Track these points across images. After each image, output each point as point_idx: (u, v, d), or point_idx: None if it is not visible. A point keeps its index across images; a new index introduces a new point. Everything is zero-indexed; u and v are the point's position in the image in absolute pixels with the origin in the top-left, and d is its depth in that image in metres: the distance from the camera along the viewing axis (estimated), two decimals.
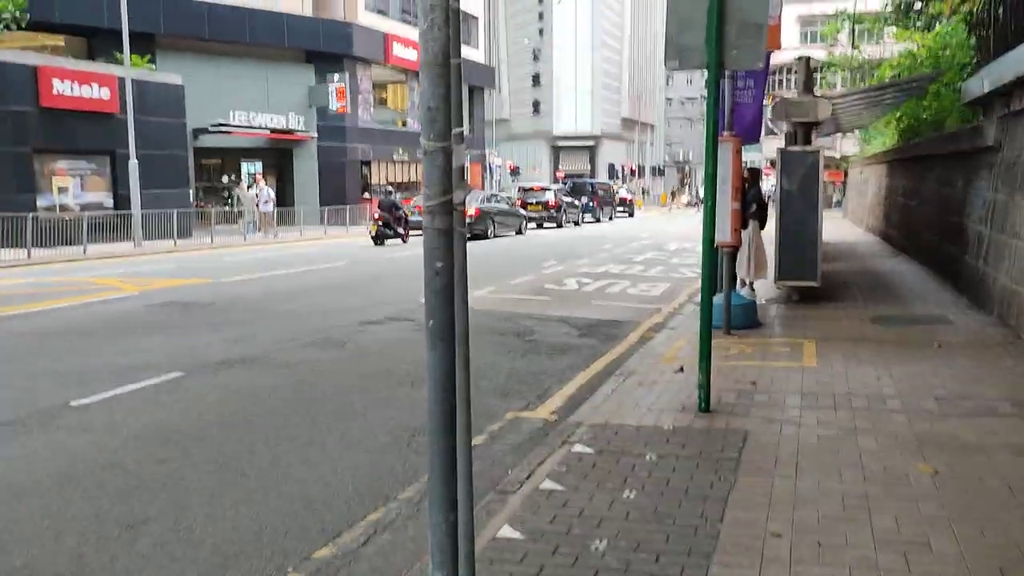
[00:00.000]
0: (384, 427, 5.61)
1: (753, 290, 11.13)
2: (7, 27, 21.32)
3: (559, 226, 34.05)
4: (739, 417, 5.46)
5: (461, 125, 2.41)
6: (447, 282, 2.33)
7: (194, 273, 15.24)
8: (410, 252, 21.12)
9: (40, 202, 21.78)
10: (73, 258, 18.90)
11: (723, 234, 8.24)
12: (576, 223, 36.13)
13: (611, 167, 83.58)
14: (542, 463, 4.63)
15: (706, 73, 5.55)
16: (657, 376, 6.84)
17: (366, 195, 36.28)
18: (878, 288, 12.23)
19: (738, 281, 10.47)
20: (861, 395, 5.98)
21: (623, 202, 47.71)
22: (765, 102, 10.40)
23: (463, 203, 2.48)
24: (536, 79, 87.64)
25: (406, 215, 24.74)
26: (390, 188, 27.56)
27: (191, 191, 29.03)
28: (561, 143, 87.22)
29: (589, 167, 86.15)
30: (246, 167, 34.21)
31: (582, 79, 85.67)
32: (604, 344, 8.79)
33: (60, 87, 21.73)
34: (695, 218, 38.86)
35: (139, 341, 8.51)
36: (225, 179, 32.92)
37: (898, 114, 18.24)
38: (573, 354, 8.22)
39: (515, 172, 65.83)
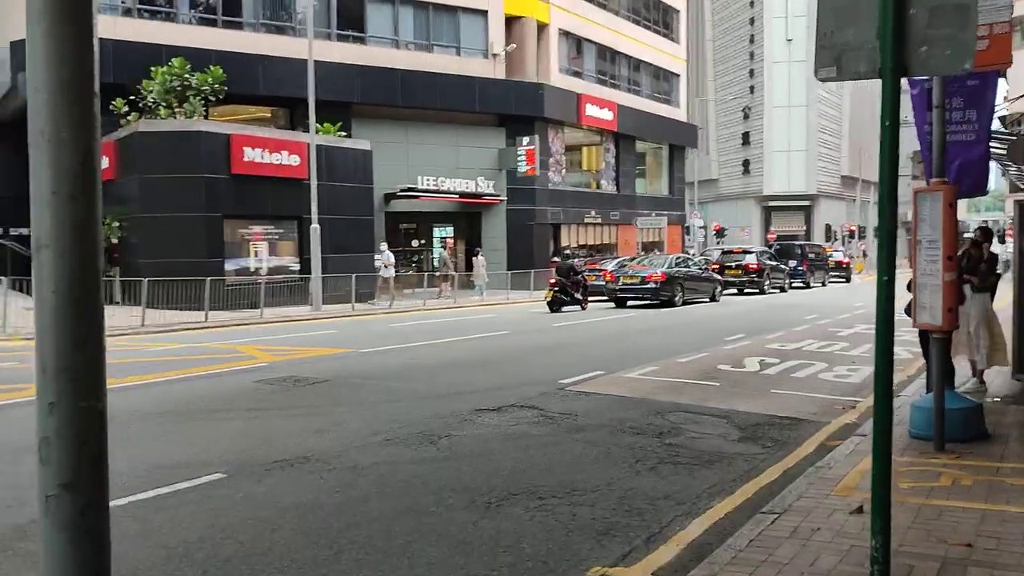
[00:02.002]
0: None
1: (983, 383, 8.56)
2: (207, 100, 22.44)
3: (761, 292, 31.24)
4: None
5: None
6: None
7: (342, 342, 14.50)
8: (583, 320, 19.58)
9: (228, 266, 22.44)
10: (247, 321, 19.01)
11: (931, 315, 6.06)
12: (782, 289, 33.09)
13: (828, 228, 78.09)
14: None
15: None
16: (822, 517, 4.80)
17: (556, 259, 35.26)
18: None
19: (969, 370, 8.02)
20: None
21: (838, 266, 43.62)
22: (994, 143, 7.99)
23: None
24: (746, 137, 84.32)
25: (585, 280, 23.31)
26: (568, 251, 26.29)
27: (380, 255, 29.29)
28: (773, 203, 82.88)
29: (804, 228, 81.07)
30: (437, 231, 34.42)
31: (796, 136, 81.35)
32: (767, 454, 6.74)
33: (251, 154, 22.46)
34: None
35: (213, 427, 7.52)
36: (415, 243, 33.14)
37: None
38: (720, 468, 6.27)
39: (720, 233, 62.80)
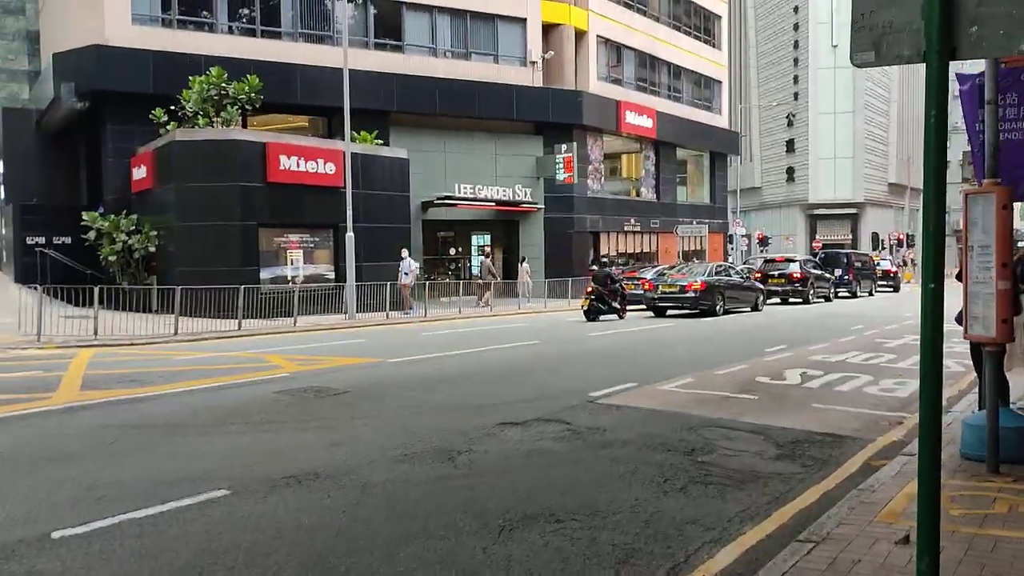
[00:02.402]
0: None
1: None
2: (243, 108, 22.49)
3: (805, 301, 30.42)
4: None
5: None
6: None
7: (370, 352, 14.27)
8: (619, 330, 19.15)
9: (264, 274, 22.41)
10: (279, 330, 18.91)
11: (984, 326, 5.61)
12: (827, 298, 32.22)
13: (875, 236, 76.42)
14: None
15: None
16: (864, 547, 4.39)
17: (594, 267, 34.82)
18: None
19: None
20: None
21: (886, 275, 42.46)
22: None
23: None
24: (790, 145, 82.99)
25: (623, 289, 22.87)
26: (605, 259, 25.85)
27: (416, 264, 29.14)
28: (818, 211, 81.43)
29: (850, 237, 79.51)
30: (476, 239, 34.22)
31: (842, 143, 79.86)
32: (805, 474, 6.31)
33: (287, 163, 22.43)
34: None
35: (225, 440, 7.28)
36: (452, 251, 32.97)
37: None
38: (754, 490, 5.85)
39: (764, 242, 61.75)
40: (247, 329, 18.56)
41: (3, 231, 32.86)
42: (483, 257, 30.16)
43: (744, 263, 38.96)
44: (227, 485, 5.75)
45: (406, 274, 24.30)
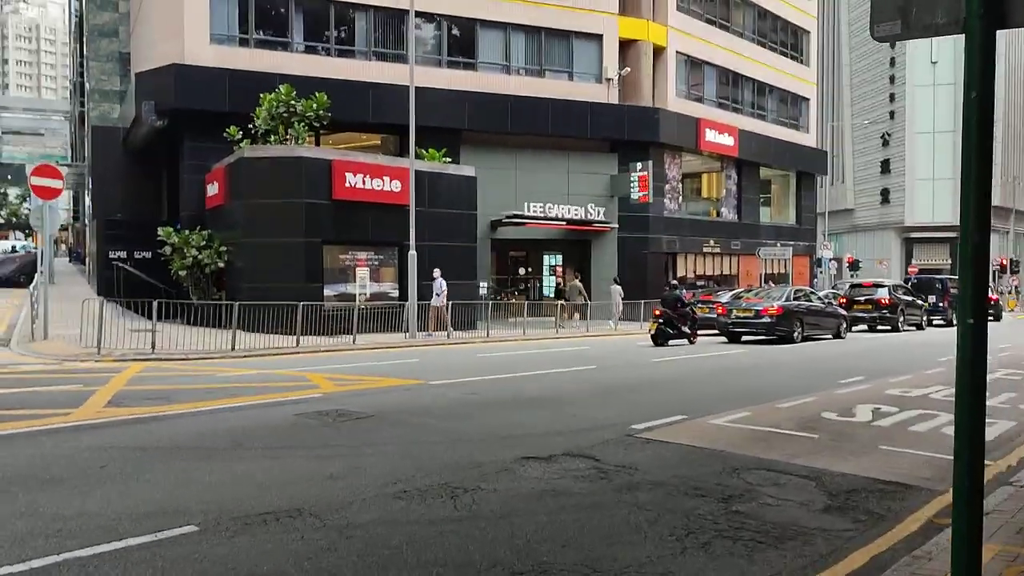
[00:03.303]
0: None
1: None
2: (311, 126, 22.54)
3: (894, 329, 28.74)
4: None
5: None
6: None
7: (417, 373, 13.79)
8: (685, 356, 18.23)
9: (328, 291, 22.30)
10: (338, 347, 18.67)
11: None
12: (918, 326, 30.41)
13: None
14: None
15: None
16: None
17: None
18: None
19: None
20: None
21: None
22: None
23: None
24: (885, 165, 79.85)
25: (693, 312, 21.89)
26: (675, 281, 24.89)
27: (484, 283, 28.75)
28: (915, 235, 77.90)
29: (950, 261, 75.72)
30: (547, 259, 33.67)
31: (941, 164, 76.27)
32: (856, 532, 5.46)
33: (352, 180, 22.32)
34: None
35: (220, 467, 6.81)
36: (521, 271, 32.46)
37: None
38: (791, 549, 5.05)
39: (854, 266, 59.22)
40: (305, 346, 18.38)
41: (91, 245, 34.00)
42: (576, 281, 29.55)
43: (833, 287, 37.22)
44: (199, 520, 5.27)
45: (438, 295, 22.83)
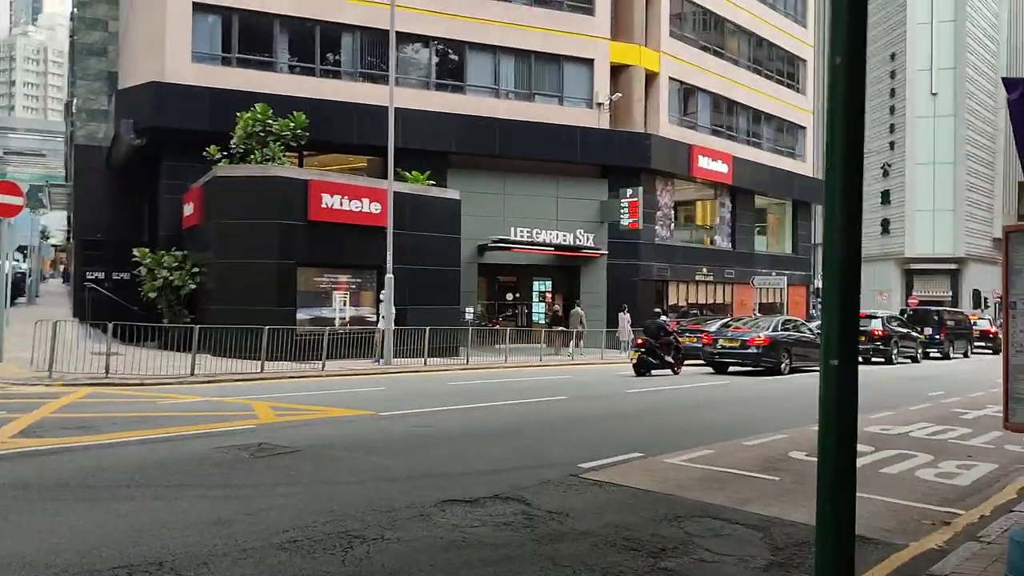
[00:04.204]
0: None
1: None
2: (288, 146, 22.07)
3: (888, 361, 27.99)
4: None
5: None
6: None
7: (372, 403, 13.11)
8: (665, 387, 17.57)
9: (302, 315, 21.69)
10: (304, 373, 18.01)
11: None
12: (913, 359, 29.65)
13: (976, 293, 71.79)
14: None
15: None
16: None
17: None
18: None
19: None
20: None
21: (984, 335, 39.22)
22: None
23: None
24: (885, 196, 79.29)
25: (677, 342, 21.24)
26: (658, 310, 24.24)
27: (470, 308, 28.16)
28: (915, 266, 77.20)
29: (950, 293, 75.01)
30: (537, 285, 33.08)
31: (942, 195, 75.81)
32: None
33: (329, 201, 21.79)
34: None
35: (102, 509, 6.13)
36: (509, 297, 31.85)
37: None
38: None
39: None
40: (270, 372, 17.73)
41: (71, 265, 33.51)
42: (577, 308, 28.98)
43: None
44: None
45: (383, 316, 21.18)
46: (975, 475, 8.56)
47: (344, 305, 22.87)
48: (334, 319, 22.55)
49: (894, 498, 7.39)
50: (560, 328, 28.66)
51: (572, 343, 27.57)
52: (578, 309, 28.75)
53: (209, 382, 16.06)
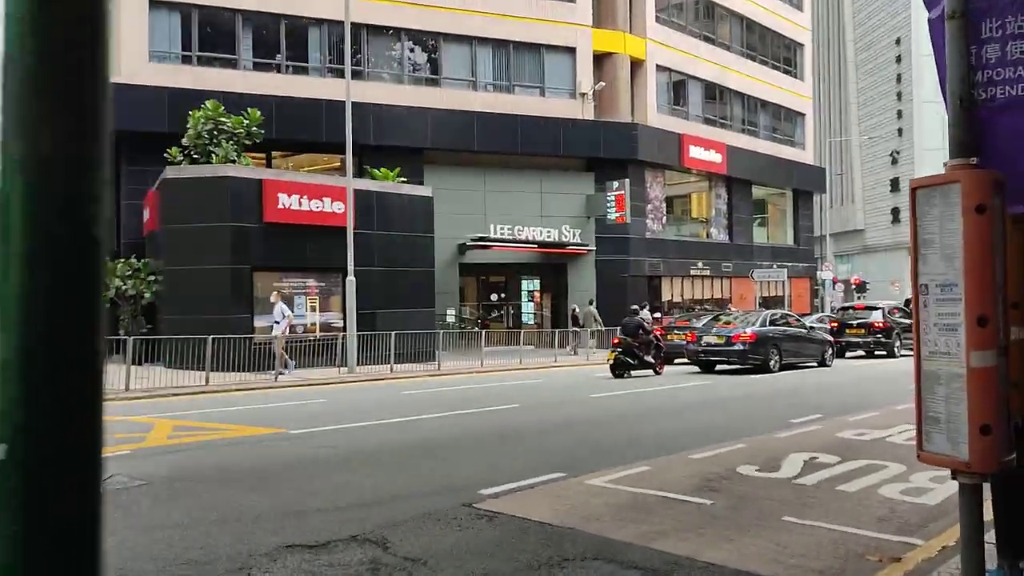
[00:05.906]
0: None
1: None
2: (240, 143, 21.01)
3: (890, 355, 26.63)
4: None
5: None
6: None
7: (297, 418, 11.93)
8: (638, 389, 16.34)
9: (260, 322, 20.55)
10: (251, 385, 16.90)
11: (950, 438, 2.91)
12: None
13: None
14: None
15: None
16: None
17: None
18: None
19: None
20: None
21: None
22: None
23: None
24: (895, 184, 77.65)
25: (658, 340, 20.00)
26: (636, 306, 22.99)
27: (451, 311, 27.05)
28: None
29: None
30: (525, 284, 31.89)
31: None
32: None
33: (286, 201, 20.69)
34: None
35: None
36: (493, 297, 30.68)
37: None
38: None
39: (861, 288, 56.86)
40: (216, 384, 16.62)
41: None
42: (590, 307, 27.79)
43: (837, 311, 35.04)
44: None
45: (277, 322, 18.85)
46: (949, 490, 7.28)
47: (305, 311, 21.72)
48: (306, 325, 21.44)
49: (843, 525, 6.15)
50: (574, 328, 27.48)
51: (575, 343, 26.67)
52: (591, 308, 27.58)
53: (145, 397, 15.00)
